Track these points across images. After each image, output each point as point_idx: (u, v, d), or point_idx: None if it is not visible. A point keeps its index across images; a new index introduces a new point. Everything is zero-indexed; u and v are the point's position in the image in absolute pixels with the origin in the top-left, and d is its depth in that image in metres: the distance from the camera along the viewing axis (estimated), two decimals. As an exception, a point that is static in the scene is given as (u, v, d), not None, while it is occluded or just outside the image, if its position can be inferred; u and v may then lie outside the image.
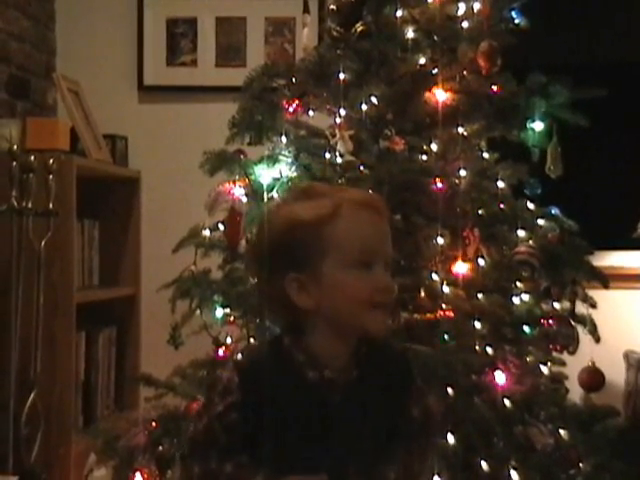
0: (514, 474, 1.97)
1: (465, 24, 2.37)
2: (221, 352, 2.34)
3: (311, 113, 2.47)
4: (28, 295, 2.67)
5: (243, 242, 2.30)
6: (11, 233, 2.67)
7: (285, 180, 2.29)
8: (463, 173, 2.25)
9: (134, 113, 3.54)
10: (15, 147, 2.68)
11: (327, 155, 2.32)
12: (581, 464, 2.04)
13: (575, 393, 2.32)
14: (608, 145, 3.55)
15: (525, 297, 2.25)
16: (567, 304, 2.27)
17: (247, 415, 1.34)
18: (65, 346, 2.81)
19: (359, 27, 2.34)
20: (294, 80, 2.38)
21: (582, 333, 2.26)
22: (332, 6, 2.42)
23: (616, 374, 3.05)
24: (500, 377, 2.05)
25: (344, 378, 1.38)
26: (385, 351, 1.45)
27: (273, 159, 2.34)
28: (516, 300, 2.24)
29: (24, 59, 3.30)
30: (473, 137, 2.40)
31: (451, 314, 2.11)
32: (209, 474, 1.35)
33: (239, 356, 2.18)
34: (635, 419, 2.99)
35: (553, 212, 2.37)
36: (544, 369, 2.32)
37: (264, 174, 2.30)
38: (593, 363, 2.37)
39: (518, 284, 2.23)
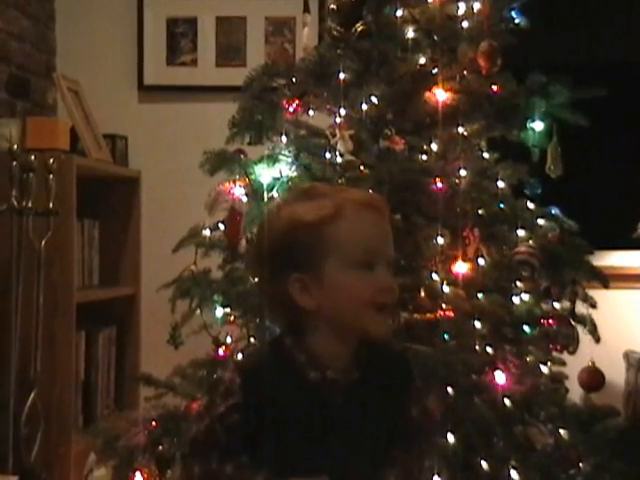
0: (514, 474, 1.97)
1: (465, 24, 2.37)
2: (221, 352, 2.34)
3: (311, 113, 2.46)
4: (28, 295, 2.67)
5: (243, 242, 2.31)
6: (11, 233, 2.67)
7: (285, 180, 2.29)
8: (463, 173, 2.25)
9: (134, 113, 3.54)
10: (15, 147, 2.68)
11: (327, 155, 2.32)
12: (581, 464, 2.03)
13: (575, 393, 2.32)
14: (608, 145, 3.55)
15: (525, 297, 2.25)
16: (567, 304, 2.27)
17: (249, 416, 1.34)
18: (65, 346, 2.81)
19: (359, 27, 2.34)
20: (294, 80, 2.38)
21: (582, 333, 2.26)
22: (332, 6, 2.41)
23: (616, 374, 3.05)
24: (500, 377, 2.05)
25: (346, 379, 1.38)
26: (385, 351, 1.45)
27: (273, 159, 2.34)
28: (516, 300, 2.24)
29: (24, 59, 3.30)
30: (473, 137, 2.40)
31: (451, 314, 2.11)
32: (209, 474, 1.35)
33: (240, 357, 2.19)
34: (635, 419, 2.99)
35: (553, 212, 2.37)
36: (544, 369, 2.32)
37: (264, 174, 2.30)
38: (593, 363, 2.37)
39: (518, 284, 2.23)
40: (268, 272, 1.39)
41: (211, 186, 2.36)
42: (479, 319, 2.14)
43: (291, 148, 2.39)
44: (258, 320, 2.22)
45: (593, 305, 2.29)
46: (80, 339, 2.98)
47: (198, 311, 2.36)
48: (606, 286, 2.26)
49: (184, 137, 3.48)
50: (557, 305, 2.27)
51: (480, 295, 2.19)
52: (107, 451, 2.33)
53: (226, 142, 2.41)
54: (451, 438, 1.97)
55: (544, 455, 2.03)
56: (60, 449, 2.78)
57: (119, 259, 3.40)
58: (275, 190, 2.27)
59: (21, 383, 2.65)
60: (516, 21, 2.40)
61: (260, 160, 2.34)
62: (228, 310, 2.35)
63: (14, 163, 2.62)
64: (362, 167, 2.24)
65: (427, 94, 2.29)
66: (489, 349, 2.15)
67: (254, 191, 2.31)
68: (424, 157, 2.32)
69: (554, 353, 2.30)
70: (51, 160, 2.67)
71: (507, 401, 2.05)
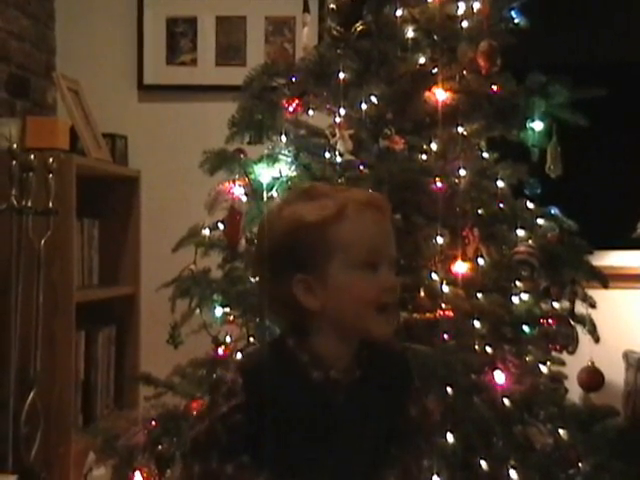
0: (513, 474, 1.97)
1: (465, 24, 2.37)
2: (220, 351, 2.34)
3: (311, 112, 2.46)
4: (28, 294, 2.67)
5: (243, 241, 2.30)
6: (11, 232, 2.68)
7: (285, 179, 2.29)
8: (463, 173, 2.25)
9: (134, 112, 3.54)
10: (15, 146, 2.68)
11: (327, 154, 2.32)
12: (580, 464, 2.04)
13: (574, 393, 2.32)
14: (608, 145, 3.55)
15: (525, 297, 2.25)
16: (566, 304, 2.27)
17: (251, 416, 1.34)
18: (65, 345, 2.81)
19: (359, 26, 2.34)
20: (294, 79, 2.38)
21: (581, 333, 2.26)
22: (332, 5, 2.42)
23: (615, 374, 3.05)
24: (499, 377, 2.05)
25: (348, 378, 1.38)
26: (385, 351, 1.45)
27: (273, 158, 2.34)
28: (515, 300, 2.24)
29: (24, 58, 3.30)
30: (473, 137, 2.40)
31: (451, 314, 2.11)
32: (210, 474, 1.35)
33: (241, 357, 2.19)
34: (634, 419, 2.99)
35: (553, 212, 2.37)
36: (543, 369, 2.32)
37: (264, 173, 2.31)
38: (592, 363, 2.37)
39: (518, 284, 2.23)
40: (271, 273, 1.39)
41: (211, 186, 2.37)
42: (478, 319, 2.14)
43: (291, 148, 2.39)
44: (258, 320, 2.22)
45: (592, 305, 2.29)
46: (80, 338, 2.98)
47: (198, 310, 2.36)
48: (605, 286, 2.26)
49: (184, 137, 3.48)
50: (556, 305, 2.27)
51: (480, 295, 2.19)
52: (107, 450, 2.33)
53: (226, 142, 2.41)
54: (450, 438, 1.97)
55: (543, 455, 2.03)
56: (60, 448, 2.78)
57: (119, 259, 3.40)
58: (275, 190, 2.27)
59: (21, 382, 2.65)
60: (516, 21, 2.40)
61: (260, 160, 2.34)
62: (228, 310, 2.35)
63: (14, 162, 2.62)
64: (362, 167, 2.24)
65: (427, 94, 2.29)
66: (488, 349, 2.15)
67: (254, 191, 2.31)
68: (424, 157, 2.32)
69: (553, 353, 2.30)
70: (51, 159, 2.67)
71: (506, 401, 2.05)
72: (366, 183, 2.11)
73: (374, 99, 2.32)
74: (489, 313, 2.16)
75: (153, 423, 2.26)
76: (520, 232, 2.28)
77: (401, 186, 2.15)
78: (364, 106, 2.31)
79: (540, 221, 2.34)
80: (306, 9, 2.70)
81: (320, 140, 2.41)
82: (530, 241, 2.24)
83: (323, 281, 1.34)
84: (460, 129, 2.31)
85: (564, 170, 2.26)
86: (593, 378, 2.37)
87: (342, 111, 2.32)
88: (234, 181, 2.34)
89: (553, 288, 2.27)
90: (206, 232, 2.41)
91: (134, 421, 2.35)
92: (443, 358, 2.02)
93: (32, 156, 2.65)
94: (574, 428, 2.07)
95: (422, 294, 2.14)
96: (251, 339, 2.28)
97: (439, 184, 2.18)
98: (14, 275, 2.67)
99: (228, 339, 2.36)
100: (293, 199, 1.42)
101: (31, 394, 2.62)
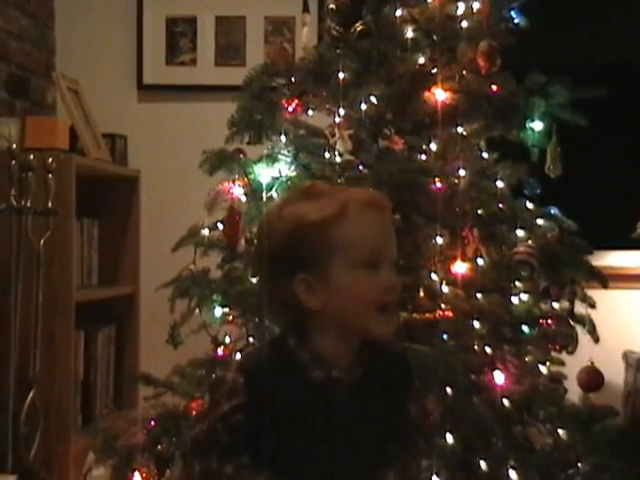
0: (513, 474, 1.97)
1: (464, 24, 2.37)
2: (220, 351, 2.34)
3: (310, 112, 2.47)
4: (27, 294, 2.67)
5: (242, 241, 2.30)
6: (10, 232, 2.67)
7: (284, 179, 2.29)
8: (462, 173, 2.25)
9: (133, 112, 3.54)
10: (14, 146, 2.68)
11: (326, 154, 2.32)
12: (580, 464, 2.04)
13: (574, 393, 2.32)
14: (607, 145, 3.55)
15: (524, 297, 2.25)
16: (566, 304, 2.28)
17: (252, 416, 1.34)
18: (64, 345, 2.81)
19: (359, 26, 2.34)
20: (293, 79, 2.38)
21: (581, 333, 2.26)
22: (332, 5, 2.42)
23: (615, 374, 3.04)
24: (499, 377, 2.05)
25: (348, 377, 1.38)
26: (385, 351, 1.45)
27: (272, 158, 2.34)
28: (515, 300, 2.24)
29: (24, 58, 3.30)
30: (472, 137, 2.40)
31: (450, 314, 2.11)
32: (210, 474, 1.35)
33: (242, 357, 2.18)
34: (634, 419, 2.99)
35: (552, 212, 2.37)
36: (543, 369, 2.31)
37: (263, 173, 2.31)
38: (592, 363, 2.37)
39: (517, 284, 2.23)
40: (271, 273, 1.38)
41: (210, 185, 2.37)
42: (478, 319, 2.14)
43: (290, 148, 2.39)
44: (257, 320, 2.22)
45: (592, 305, 2.29)
46: (79, 338, 2.98)
47: (197, 310, 2.36)
48: (605, 286, 2.26)
49: (183, 136, 3.48)
50: (556, 305, 2.27)
51: (479, 295, 2.19)
52: (106, 450, 2.34)
53: (225, 142, 2.41)
54: (450, 438, 1.97)
55: (543, 455, 2.03)
56: (59, 448, 2.78)
57: (118, 258, 3.40)
58: (274, 190, 2.27)
59: (20, 382, 2.65)
60: (515, 21, 2.40)
61: (259, 160, 2.34)
62: (227, 309, 2.35)
63: (13, 162, 2.63)
64: (361, 167, 2.24)
65: (426, 94, 2.29)
66: (488, 349, 2.15)
67: (253, 191, 2.31)
68: (423, 157, 2.32)
69: (553, 353, 2.30)
70: (50, 159, 2.67)
71: (506, 401, 2.05)
72: (365, 183, 2.11)
73: (374, 99, 2.32)
74: (489, 313, 2.16)
75: (152, 423, 2.26)
76: (520, 232, 2.28)
77: (401, 186, 2.15)
78: (364, 106, 2.31)
79: (540, 221, 2.34)
80: (306, 9, 2.70)
81: (320, 140, 2.41)
82: (530, 241, 2.24)
83: (324, 281, 1.34)
84: (460, 129, 2.31)
85: (564, 170, 2.26)
86: (593, 378, 2.37)
87: (342, 111, 2.32)
88: (233, 181, 2.34)
89: (553, 288, 2.27)
90: (205, 232, 2.41)
91: (133, 421, 2.35)
92: (443, 358, 2.02)
93: (31, 156, 2.65)
94: (573, 428, 2.07)
95: (422, 294, 2.14)
96: (250, 339, 2.28)
97: (439, 184, 2.18)
98: (13, 275, 2.67)
99: (227, 339, 2.36)
100: (293, 199, 1.41)
101: (30, 394, 2.62)
